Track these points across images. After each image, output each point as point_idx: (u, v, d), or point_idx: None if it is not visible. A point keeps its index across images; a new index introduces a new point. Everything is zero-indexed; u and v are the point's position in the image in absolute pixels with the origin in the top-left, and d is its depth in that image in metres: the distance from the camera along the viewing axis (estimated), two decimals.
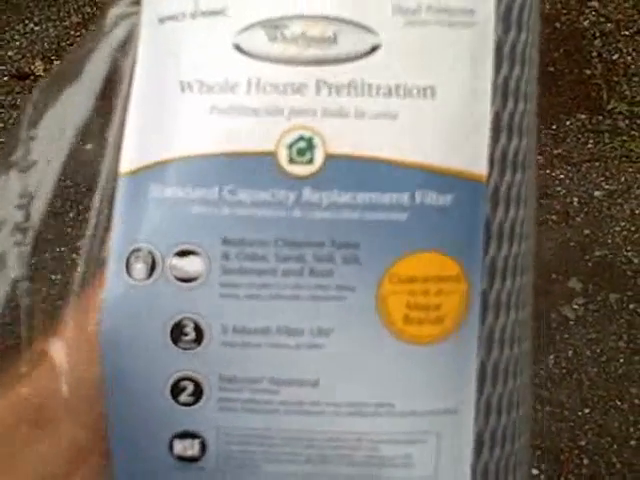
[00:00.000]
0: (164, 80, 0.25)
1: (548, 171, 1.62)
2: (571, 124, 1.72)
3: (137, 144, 0.25)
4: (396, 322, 0.24)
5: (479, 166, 0.24)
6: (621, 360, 1.29)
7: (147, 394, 0.24)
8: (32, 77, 1.86)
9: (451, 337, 0.24)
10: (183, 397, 0.24)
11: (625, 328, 1.34)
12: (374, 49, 0.24)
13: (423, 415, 0.24)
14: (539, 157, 1.65)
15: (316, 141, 0.24)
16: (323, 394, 0.24)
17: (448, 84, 0.24)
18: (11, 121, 1.76)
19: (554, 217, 1.54)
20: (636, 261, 1.43)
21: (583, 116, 1.73)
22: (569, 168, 1.63)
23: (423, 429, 0.24)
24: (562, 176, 1.62)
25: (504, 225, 0.25)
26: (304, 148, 0.24)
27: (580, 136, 1.70)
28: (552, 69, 1.83)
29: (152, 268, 0.24)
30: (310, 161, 0.24)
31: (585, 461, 1.18)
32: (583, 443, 1.20)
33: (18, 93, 1.84)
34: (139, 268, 0.24)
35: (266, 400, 0.24)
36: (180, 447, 0.24)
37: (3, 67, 1.91)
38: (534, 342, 0.28)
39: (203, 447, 0.24)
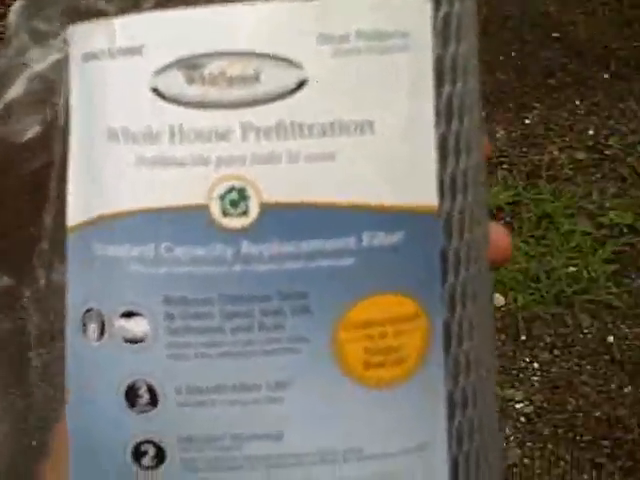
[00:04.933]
0: (93, 126, 0.24)
1: None
2: None
3: (78, 197, 0.24)
4: (356, 369, 0.23)
5: (429, 197, 0.23)
6: None
7: (110, 459, 0.24)
8: None
9: (416, 375, 0.23)
10: (146, 461, 0.23)
11: None
12: (301, 85, 0.22)
13: (394, 455, 0.23)
14: None
15: (249, 191, 0.22)
16: (288, 446, 0.23)
17: (387, 116, 0.22)
18: None
19: None
20: None
21: None
22: None
23: (396, 469, 0.23)
24: None
25: (460, 250, 0.24)
26: (236, 199, 0.22)
27: None
28: None
29: (102, 329, 0.23)
30: (245, 213, 0.22)
31: None
32: None
33: None
34: (92, 328, 0.24)
35: (230, 457, 0.23)
36: None
37: None
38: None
39: None
